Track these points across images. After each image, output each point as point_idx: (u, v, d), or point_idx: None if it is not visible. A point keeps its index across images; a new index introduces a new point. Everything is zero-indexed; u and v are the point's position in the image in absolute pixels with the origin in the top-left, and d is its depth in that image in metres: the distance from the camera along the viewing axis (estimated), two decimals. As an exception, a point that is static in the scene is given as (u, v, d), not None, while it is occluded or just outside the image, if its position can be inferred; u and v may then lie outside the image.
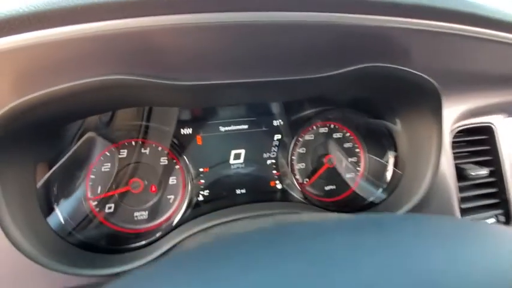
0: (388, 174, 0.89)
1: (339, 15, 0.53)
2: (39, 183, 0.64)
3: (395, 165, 0.88)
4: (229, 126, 0.89)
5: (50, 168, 0.69)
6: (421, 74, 0.64)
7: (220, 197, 0.89)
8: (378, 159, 0.94)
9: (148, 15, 0.48)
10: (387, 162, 0.90)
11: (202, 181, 0.88)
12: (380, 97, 0.79)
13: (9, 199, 0.55)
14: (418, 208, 0.79)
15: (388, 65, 0.59)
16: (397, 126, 0.84)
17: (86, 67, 0.51)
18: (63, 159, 0.72)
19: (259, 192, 0.92)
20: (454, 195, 0.85)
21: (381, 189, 0.90)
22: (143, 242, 0.75)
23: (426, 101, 0.71)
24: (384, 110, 0.86)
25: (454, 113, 0.84)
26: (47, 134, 0.62)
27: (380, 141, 0.91)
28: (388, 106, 0.81)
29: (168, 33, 0.50)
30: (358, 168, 0.97)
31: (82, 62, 0.50)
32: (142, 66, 0.54)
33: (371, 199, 0.90)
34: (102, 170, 0.81)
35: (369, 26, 0.55)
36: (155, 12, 0.48)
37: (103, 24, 0.47)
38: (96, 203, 0.80)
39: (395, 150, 0.88)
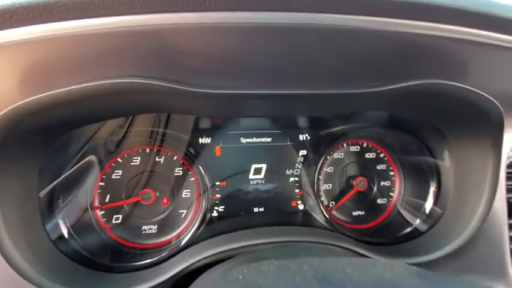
0: (428, 205, 0.79)
1: (395, 22, 0.44)
2: (43, 192, 0.59)
3: (437, 195, 0.77)
4: (252, 138, 0.82)
5: (55, 174, 0.64)
6: (485, 94, 0.54)
7: (236, 214, 0.82)
8: (416, 186, 0.83)
9: (173, 11, 0.41)
10: (427, 190, 0.79)
11: (218, 195, 0.81)
12: (426, 117, 0.69)
13: (6, 209, 0.50)
14: (464, 247, 0.68)
15: (449, 83, 0.50)
16: (443, 152, 0.74)
17: (101, 67, 0.45)
18: (70, 166, 0.66)
19: (279, 212, 0.84)
20: (506, 234, 0.73)
21: (418, 221, 0.79)
22: (148, 261, 0.68)
23: (485, 126, 0.61)
24: (427, 131, 0.75)
25: (511, 140, 0.73)
26: (54, 137, 0.57)
27: (420, 166, 0.81)
28: (434, 128, 0.70)
29: (194, 32, 0.43)
30: (391, 194, 0.87)
31: (96, 61, 0.44)
32: (164, 69, 0.47)
33: (406, 231, 0.80)
34: (113, 177, 0.75)
35: (429, 35, 0.46)
36: (181, 9, 0.41)
37: (122, 19, 0.41)
38: (103, 212, 0.74)
39: (439, 178, 0.77)
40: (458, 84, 0.52)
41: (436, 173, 0.77)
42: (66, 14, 0.40)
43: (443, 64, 0.51)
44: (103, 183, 0.74)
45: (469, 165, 0.68)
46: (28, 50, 0.42)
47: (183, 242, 0.73)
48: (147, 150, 0.77)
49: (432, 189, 0.78)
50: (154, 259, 0.68)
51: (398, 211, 0.85)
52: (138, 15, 0.41)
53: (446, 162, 0.73)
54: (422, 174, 0.80)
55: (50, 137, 0.56)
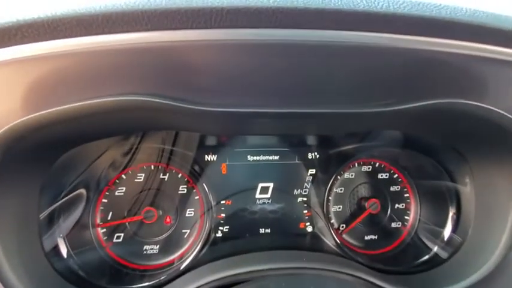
0: (447, 231, 0.73)
1: (410, 39, 0.42)
2: (43, 214, 0.58)
3: (457, 221, 0.72)
4: (259, 155, 0.79)
5: (57, 192, 0.63)
6: (507, 114, 0.51)
7: (241, 235, 0.78)
8: (433, 210, 0.78)
9: (178, 29, 0.40)
10: (446, 215, 0.74)
11: (223, 215, 0.78)
12: (443, 138, 0.65)
13: (4, 227, 0.48)
14: (488, 278, 0.62)
15: (468, 102, 0.47)
16: (463, 175, 0.69)
17: (104, 84, 0.44)
18: (73, 184, 0.65)
19: (286, 234, 0.80)
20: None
21: (436, 248, 0.74)
22: (146, 284, 0.65)
23: (508, 148, 0.56)
24: (446, 153, 0.71)
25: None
26: (56, 155, 0.56)
27: (437, 190, 0.76)
28: (453, 149, 0.66)
29: (199, 50, 0.42)
30: (406, 218, 0.82)
31: (99, 78, 0.43)
32: (168, 87, 0.46)
33: (424, 259, 0.74)
34: (116, 194, 0.73)
35: (445, 52, 0.44)
36: (186, 26, 0.40)
37: (126, 36, 0.40)
38: (104, 230, 0.72)
39: (458, 202, 0.72)
40: (477, 104, 0.49)
41: (456, 197, 0.72)
42: (70, 31, 0.40)
43: (461, 82, 0.48)
44: (106, 200, 0.73)
45: (491, 189, 0.63)
46: (31, 67, 0.42)
47: (185, 264, 0.70)
48: (152, 167, 0.75)
49: (451, 214, 0.73)
50: (153, 282, 0.65)
51: (414, 236, 0.80)
52: (143, 32, 0.40)
53: (466, 186, 0.68)
54: (440, 198, 0.75)
55: (52, 154, 0.55)
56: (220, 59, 0.43)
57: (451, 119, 0.50)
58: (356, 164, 0.82)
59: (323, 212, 0.79)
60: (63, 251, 0.63)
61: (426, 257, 0.74)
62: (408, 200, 0.82)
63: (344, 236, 0.81)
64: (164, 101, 0.45)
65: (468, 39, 0.45)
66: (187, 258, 0.72)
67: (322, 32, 0.41)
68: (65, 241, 0.64)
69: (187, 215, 0.76)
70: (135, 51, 0.41)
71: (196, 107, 0.46)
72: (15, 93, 0.42)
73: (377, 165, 0.82)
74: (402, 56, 0.42)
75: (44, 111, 0.43)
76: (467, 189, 0.68)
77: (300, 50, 0.42)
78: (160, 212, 0.74)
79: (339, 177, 0.81)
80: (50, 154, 0.54)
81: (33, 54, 0.41)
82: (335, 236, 0.77)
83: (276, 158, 0.80)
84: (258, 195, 0.79)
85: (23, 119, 0.43)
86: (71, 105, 0.44)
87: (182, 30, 0.40)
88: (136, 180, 0.74)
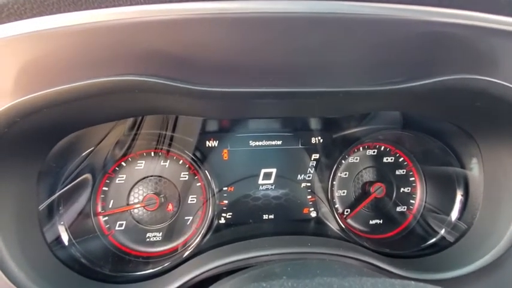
0: (454, 215, 0.72)
1: (423, 10, 0.39)
2: (42, 205, 0.56)
3: (464, 205, 0.70)
4: (261, 140, 0.77)
5: (56, 180, 0.61)
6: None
7: (244, 221, 0.77)
8: (439, 193, 0.76)
9: (172, 1, 0.37)
10: (453, 199, 0.72)
11: (226, 201, 0.77)
12: (453, 119, 0.62)
13: (2, 215, 0.47)
14: (496, 263, 0.61)
15: (484, 78, 0.44)
16: (471, 158, 0.67)
17: (97, 64, 0.42)
18: (72, 172, 0.64)
19: (290, 220, 0.79)
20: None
21: (443, 231, 0.73)
22: (150, 271, 0.65)
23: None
24: (454, 135, 0.69)
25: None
26: (53, 140, 0.54)
27: (444, 173, 0.74)
28: (462, 131, 0.64)
29: (196, 24, 0.39)
30: (412, 201, 0.80)
31: (91, 58, 0.41)
32: (165, 66, 0.43)
33: (430, 242, 0.73)
34: (117, 182, 0.72)
35: (461, 25, 0.41)
36: (182, -2, 0.37)
37: (117, 11, 0.37)
38: (106, 218, 0.71)
39: (466, 185, 0.70)
40: (491, 79, 0.46)
41: (463, 181, 0.70)
42: (58, 6, 0.37)
43: (474, 57, 0.45)
44: (106, 188, 0.72)
45: (501, 172, 0.61)
46: (20, 47, 0.39)
47: (189, 251, 0.69)
48: (152, 154, 0.74)
49: (458, 197, 0.71)
50: (157, 269, 0.65)
51: (420, 220, 0.79)
52: (135, 6, 0.37)
53: (474, 169, 0.66)
54: (447, 181, 0.73)
55: (47, 141, 0.53)
56: (218, 34, 0.40)
57: (463, 97, 0.48)
58: (360, 148, 0.80)
59: (327, 197, 0.78)
60: (65, 239, 0.63)
61: (432, 240, 0.73)
62: (414, 184, 0.81)
63: (349, 220, 0.80)
64: (161, 81, 0.42)
65: (482, 9, 0.42)
66: (190, 245, 0.71)
67: (328, 3, 0.38)
68: (66, 229, 0.63)
69: (189, 201, 0.75)
70: (128, 27, 0.38)
71: (195, 87, 0.44)
72: (4, 76, 0.40)
73: (382, 148, 0.80)
74: (414, 28, 0.39)
75: (36, 94, 0.41)
76: (475, 172, 0.66)
77: (303, 23, 0.39)
78: (162, 200, 0.73)
79: (343, 161, 0.79)
80: (45, 141, 0.52)
81: (21, 32, 0.38)
82: (339, 221, 0.76)
83: (279, 143, 0.78)
84: (260, 181, 0.78)
85: (13, 102, 0.41)
86: (63, 86, 0.41)
87: (177, 4, 0.37)
88: (136, 167, 0.73)
